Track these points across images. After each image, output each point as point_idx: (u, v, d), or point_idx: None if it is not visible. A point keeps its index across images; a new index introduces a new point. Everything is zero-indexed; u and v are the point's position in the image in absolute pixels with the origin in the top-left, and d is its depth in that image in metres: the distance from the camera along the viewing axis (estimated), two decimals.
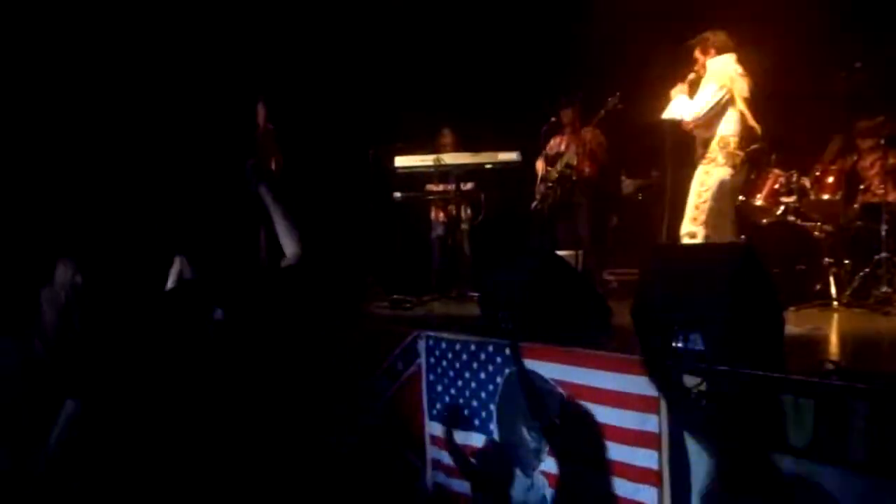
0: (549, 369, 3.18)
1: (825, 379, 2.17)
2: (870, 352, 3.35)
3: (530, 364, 3.27)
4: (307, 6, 6.80)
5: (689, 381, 2.48)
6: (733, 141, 4.20)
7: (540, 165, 6.13)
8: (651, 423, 2.66)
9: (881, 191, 5.08)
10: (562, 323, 3.41)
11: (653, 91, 5.89)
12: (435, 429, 3.88)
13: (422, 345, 3.94)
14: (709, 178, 4.19)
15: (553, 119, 5.92)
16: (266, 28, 6.82)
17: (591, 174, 6.01)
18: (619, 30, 6.26)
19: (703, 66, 4.24)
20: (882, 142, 5.13)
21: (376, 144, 6.23)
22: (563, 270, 3.78)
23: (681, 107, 4.25)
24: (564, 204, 5.99)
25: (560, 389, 3.10)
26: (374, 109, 6.62)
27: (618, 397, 2.81)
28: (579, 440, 2.97)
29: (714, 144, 4.17)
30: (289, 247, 2.43)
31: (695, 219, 4.17)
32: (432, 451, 3.88)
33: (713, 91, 4.10)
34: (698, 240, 4.11)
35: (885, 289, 4.66)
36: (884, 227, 4.83)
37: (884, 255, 4.75)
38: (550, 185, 6.01)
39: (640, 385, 2.71)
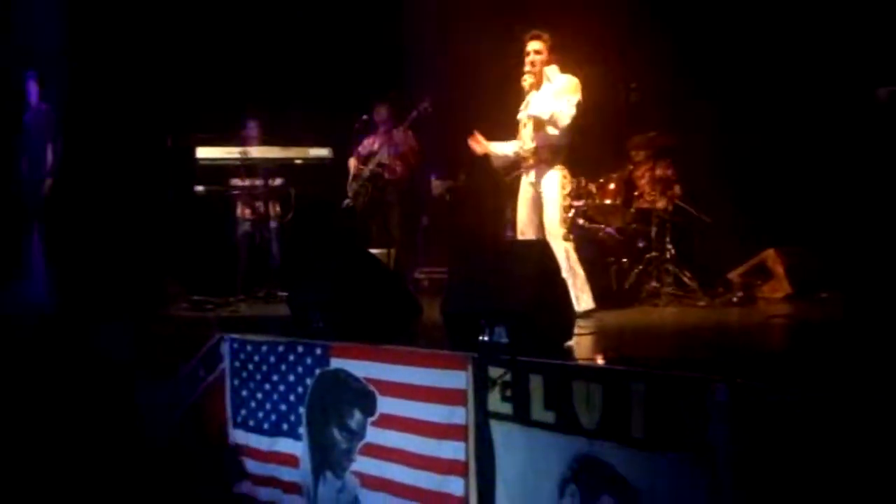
0: (360, 367, 3.15)
1: (610, 364, 2.39)
2: (644, 338, 3.77)
3: (341, 363, 3.22)
4: None
5: (494, 372, 2.60)
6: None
7: (352, 163, 6.09)
8: (458, 415, 2.74)
9: (651, 198, 5.76)
10: (373, 321, 3.40)
11: (466, 94, 6.15)
12: (240, 437, 3.69)
13: (226, 348, 3.73)
14: (567, 182, 4.21)
15: (365, 117, 5.92)
16: None
17: (403, 174, 6.10)
18: (437, 32, 6.42)
19: (544, 64, 4.12)
20: (652, 154, 5.82)
21: (176, 133, 5.78)
22: (375, 268, 3.78)
23: (543, 106, 4.09)
24: (376, 202, 6.01)
25: (371, 387, 3.09)
26: (175, 95, 6.10)
27: (427, 392, 2.87)
28: (390, 437, 2.98)
29: (564, 151, 4.21)
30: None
31: (565, 222, 4.18)
32: (237, 461, 3.68)
33: (575, 102, 4.06)
34: (571, 250, 4.11)
35: (654, 284, 5.30)
36: (653, 230, 5.48)
37: (653, 254, 5.39)
38: (362, 183, 6.00)
39: (448, 379, 2.79)
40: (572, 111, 4.07)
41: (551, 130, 4.14)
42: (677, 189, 5.97)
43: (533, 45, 4.13)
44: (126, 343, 4.33)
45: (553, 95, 4.10)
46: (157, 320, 4.69)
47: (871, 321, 3.51)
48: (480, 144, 4.37)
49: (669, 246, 5.46)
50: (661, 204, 5.67)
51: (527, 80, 4.19)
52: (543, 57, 4.15)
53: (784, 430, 1.90)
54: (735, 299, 5.04)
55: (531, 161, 4.25)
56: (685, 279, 5.34)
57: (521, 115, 4.28)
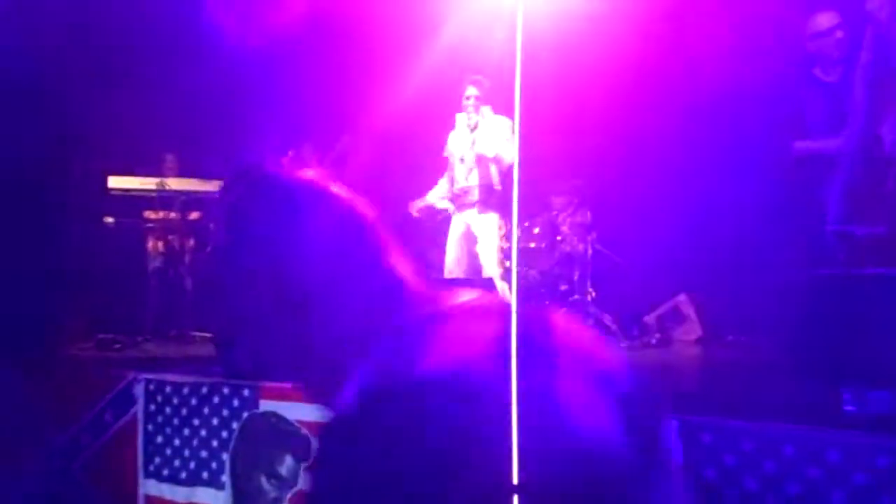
0: (292, 409, 2.99)
1: None
2: None
3: (272, 405, 3.05)
4: None
5: None
6: None
7: None
8: None
9: (573, 242, 5.94)
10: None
11: (384, 134, 6.13)
12: (151, 487, 3.39)
13: (140, 389, 3.45)
14: (502, 223, 4.38)
15: (292, 153, 5.80)
16: None
17: None
18: (356, 71, 6.40)
19: (481, 104, 4.26)
20: (574, 200, 6.03)
21: (84, 161, 5.43)
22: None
23: (487, 145, 4.23)
24: None
25: (305, 430, 2.94)
26: (88, 121, 5.72)
27: None
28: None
29: (500, 192, 4.38)
30: None
31: (501, 263, 4.35)
32: None
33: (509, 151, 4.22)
34: (507, 291, 4.16)
35: None
36: (576, 273, 5.63)
37: (576, 297, 5.52)
38: None
39: None
40: (510, 156, 4.23)
41: (494, 170, 4.23)
42: (594, 234, 6.22)
43: (472, 90, 4.24)
44: (19, 389, 3.92)
45: (494, 135, 4.21)
46: (56, 362, 4.29)
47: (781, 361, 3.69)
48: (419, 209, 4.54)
49: (591, 290, 5.62)
50: (581, 248, 5.86)
51: (468, 120, 4.27)
52: (481, 98, 4.26)
53: (734, 462, 1.94)
54: (653, 341, 5.24)
55: (468, 199, 4.31)
56: (606, 322, 5.49)
57: (458, 152, 4.34)
